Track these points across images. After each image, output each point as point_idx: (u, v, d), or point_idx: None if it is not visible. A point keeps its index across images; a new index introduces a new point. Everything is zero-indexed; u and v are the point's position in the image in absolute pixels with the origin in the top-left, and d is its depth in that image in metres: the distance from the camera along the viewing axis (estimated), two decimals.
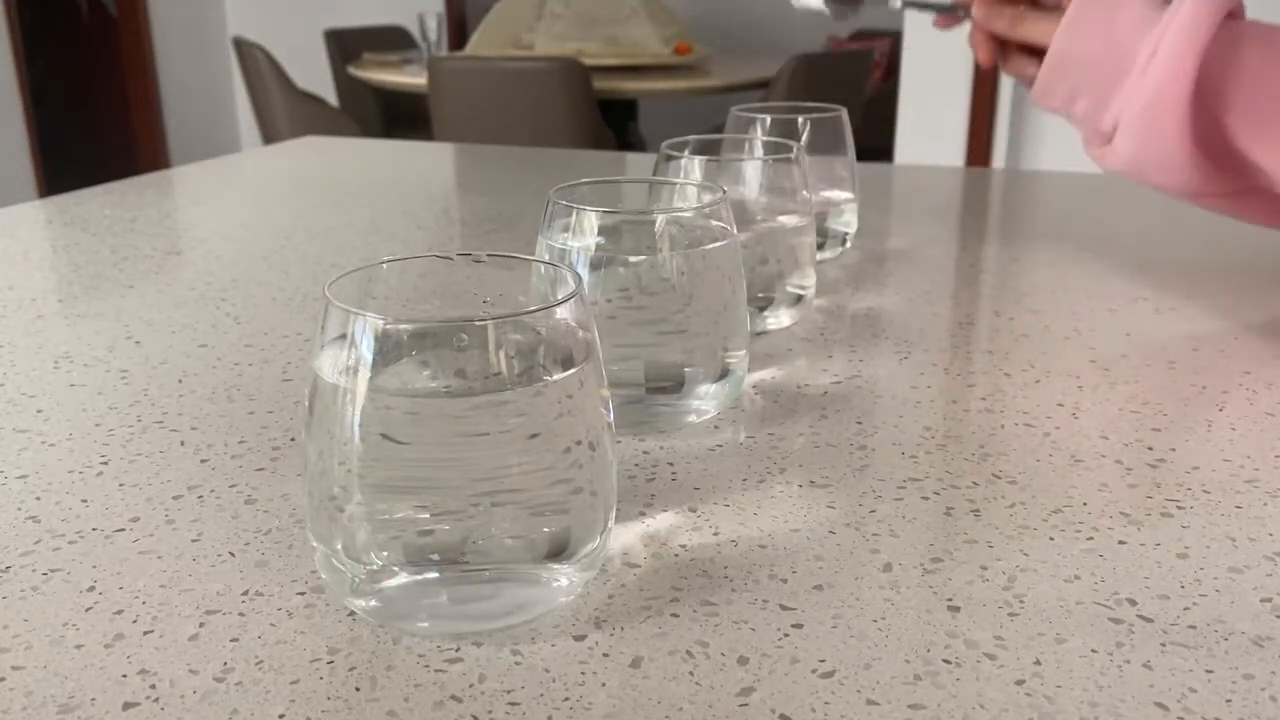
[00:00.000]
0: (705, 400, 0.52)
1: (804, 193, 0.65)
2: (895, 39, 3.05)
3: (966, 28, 0.76)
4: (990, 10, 0.73)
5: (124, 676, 0.34)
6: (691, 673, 0.34)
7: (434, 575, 0.35)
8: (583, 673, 0.34)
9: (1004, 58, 0.75)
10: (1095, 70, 0.67)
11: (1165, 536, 0.42)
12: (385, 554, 0.35)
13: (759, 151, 0.71)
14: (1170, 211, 0.94)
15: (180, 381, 0.58)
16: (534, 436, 0.34)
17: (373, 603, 0.36)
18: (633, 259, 0.50)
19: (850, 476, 0.47)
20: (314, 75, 3.72)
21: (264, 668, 0.34)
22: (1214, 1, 0.64)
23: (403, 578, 0.35)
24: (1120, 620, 0.37)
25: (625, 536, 0.42)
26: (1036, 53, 0.72)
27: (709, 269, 0.51)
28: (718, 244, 0.51)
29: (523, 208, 1.00)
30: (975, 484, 0.46)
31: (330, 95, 3.72)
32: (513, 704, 0.33)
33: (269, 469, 0.48)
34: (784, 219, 0.65)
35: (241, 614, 0.37)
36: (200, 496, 0.45)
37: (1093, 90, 0.67)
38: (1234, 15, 0.66)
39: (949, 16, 0.77)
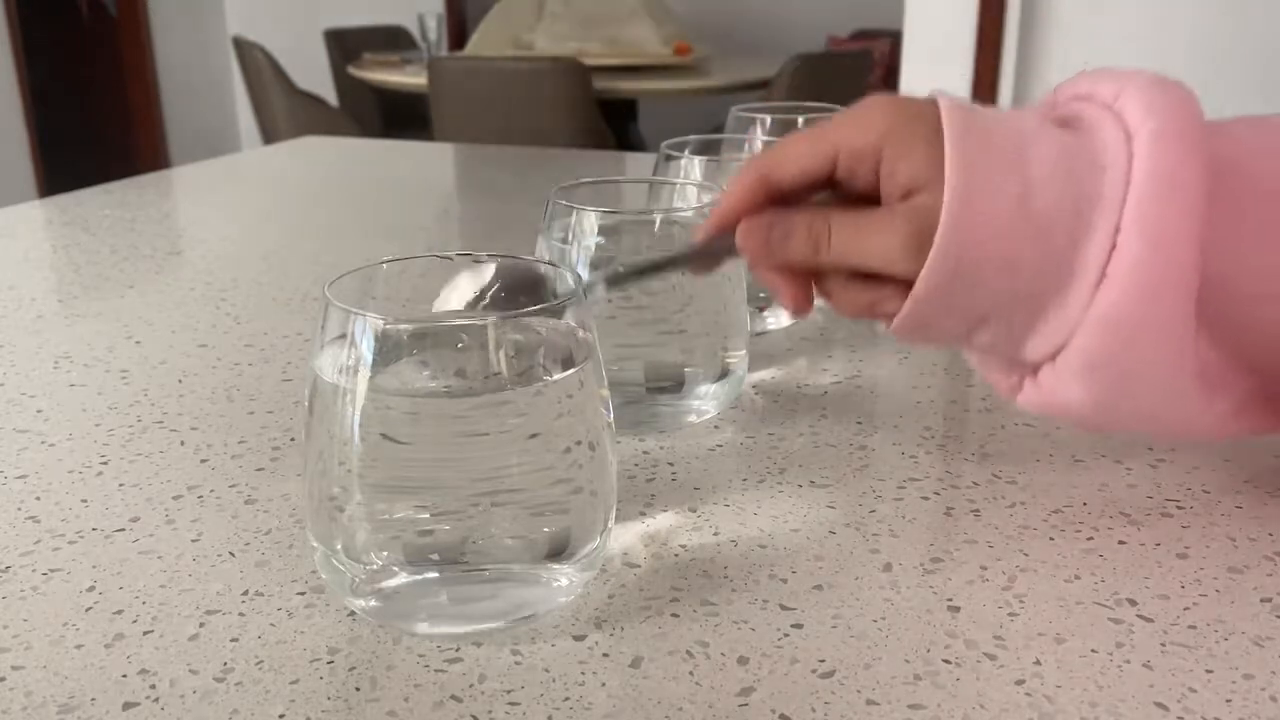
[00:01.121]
0: (705, 400, 0.52)
1: None
2: (895, 39, 3.05)
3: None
4: (765, 233, 0.41)
5: (124, 676, 0.34)
6: (691, 673, 0.34)
7: (434, 575, 0.35)
8: (583, 673, 0.34)
9: (826, 290, 0.43)
10: (1013, 281, 0.38)
11: (1165, 536, 0.42)
12: (385, 554, 0.35)
13: (759, 151, 0.71)
14: None
15: (180, 381, 0.58)
16: (534, 436, 0.34)
17: (372, 603, 0.36)
18: (632, 259, 0.50)
19: (850, 476, 0.47)
20: (314, 75, 3.71)
21: (264, 668, 0.34)
22: (1183, 116, 0.37)
23: (402, 578, 0.35)
24: (1120, 620, 0.37)
25: (625, 536, 0.42)
26: (873, 275, 0.40)
27: None
28: None
29: (523, 208, 1.00)
30: (975, 484, 0.46)
31: (330, 95, 3.72)
32: (513, 704, 0.33)
33: (269, 469, 0.48)
34: None
35: (241, 614, 0.37)
36: (200, 496, 0.45)
37: (1009, 314, 0.39)
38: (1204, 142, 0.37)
39: (702, 262, 0.45)
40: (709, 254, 0.44)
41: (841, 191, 0.41)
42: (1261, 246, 0.38)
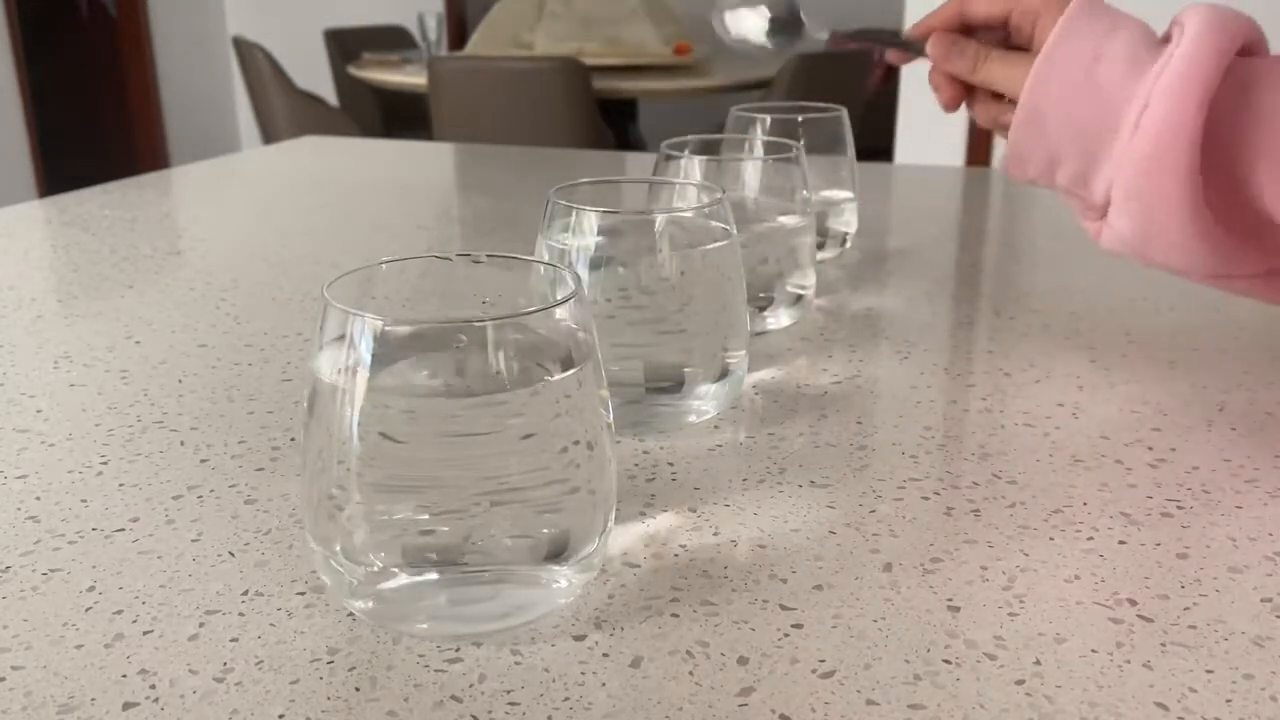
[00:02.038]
0: (705, 400, 0.52)
1: (804, 193, 0.65)
2: (894, 39, 3.04)
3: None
4: (948, 48, 0.58)
5: (124, 676, 0.34)
6: (691, 673, 0.34)
7: (433, 576, 0.35)
8: (583, 673, 0.34)
9: (973, 103, 0.60)
10: (1078, 128, 0.53)
11: (1165, 536, 0.42)
12: (384, 555, 0.35)
13: (759, 151, 0.71)
14: None
15: (180, 381, 0.58)
16: (533, 437, 0.34)
17: (372, 604, 0.36)
18: (632, 259, 0.50)
19: (850, 476, 0.47)
20: (314, 75, 3.72)
21: (264, 668, 0.34)
22: (1222, 33, 0.50)
23: (402, 579, 0.35)
24: (1120, 620, 0.37)
25: (625, 537, 0.42)
26: (1011, 100, 0.57)
27: (708, 269, 0.51)
28: (717, 244, 0.51)
29: (523, 208, 1.00)
30: (975, 484, 0.46)
31: (330, 95, 3.72)
32: (513, 704, 0.33)
33: (269, 469, 0.48)
34: (784, 219, 0.65)
35: (241, 614, 0.37)
36: (200, 496, 0.45)
37: (1075, 156, 0.53)
38: (1250, 50, 0.52)
39: (902, 53, 0.63)
40: (907, 46, 0.61)
41: (1008, 39, 0.58)
42: (1256, 126, 0.50)
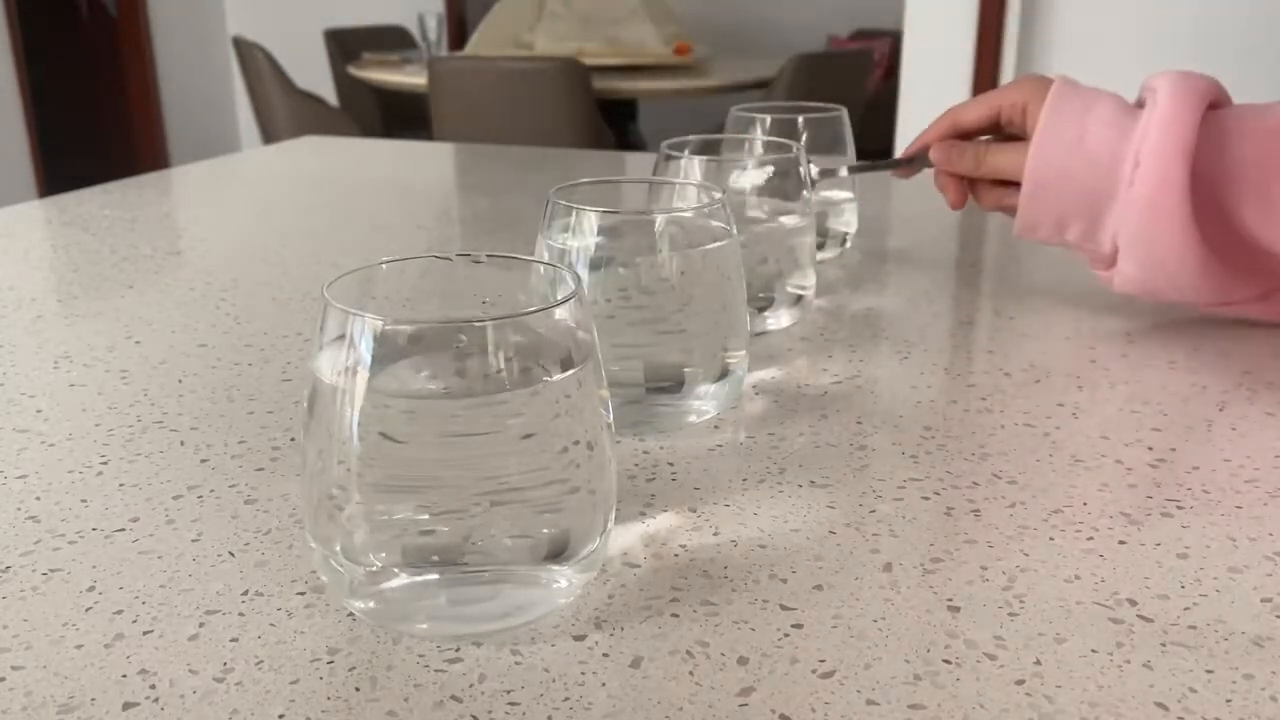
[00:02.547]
0: (705, 400, 0.52)
1: (804, 193, 0.65)
2: (895, 39, 3.05)
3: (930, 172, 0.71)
4: (950, 152, 0.67)
5: (124, 676, 0.34)
6: (691, 673, 0.34)
7: (433, 576, 0.35)
8: (583, 673, 0.34)
9: (977, 194, 0.68)
10: (1078, 193, 0.60)
11: (1165, 536, 0.42)
12: (384, 555, 0.35)
13: (759, 151, 0.71)
14: None
15: (180, 381, 0.58)
16: (533, 437, 0.34)
17: (372, 604, 0.36)
18: (632, 259, 0.50)
19: (850, 476, 0.47)
20: (314, 75, 3.71)
21: (264, 668, 0.34)
22: (1191, 94, 0.58)
23: (402, 579, 0.35)
24: (1120, 620, 0.37)
25: (625, 537, 0.42)
26: (1011, 184, 0.65)
27: (708, 269, 0.51)
28: (717, 244, 0.51)
29: (523, 208, 1.00)
30: (975, 484, 0.46)
31: (330, 95, 3.72)
32: (513, 704, 0.33)
33: (269, 469, 0.48)
34: (784, 219, 0.65)
35: (241, 614, 0.37)
36: (200, 496, 0.45)
37: (1081, 215, 0.61)
38: (1216, 105, 0.60)
39: (908, 168, 0.72)
40: (911, 163, 0.71)
41: (999, 134, 0.67)
42: (1236, 170, 0.58)
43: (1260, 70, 2.17)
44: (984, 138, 0.68)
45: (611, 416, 0.38)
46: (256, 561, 0.40)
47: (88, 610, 0.37)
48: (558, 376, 0.35)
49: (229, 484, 0.46)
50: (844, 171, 0.77)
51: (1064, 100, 0.61)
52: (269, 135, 3.40)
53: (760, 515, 0.44)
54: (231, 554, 0.41)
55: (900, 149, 2.86)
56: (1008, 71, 2.41)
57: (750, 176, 0.67)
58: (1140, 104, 0.61)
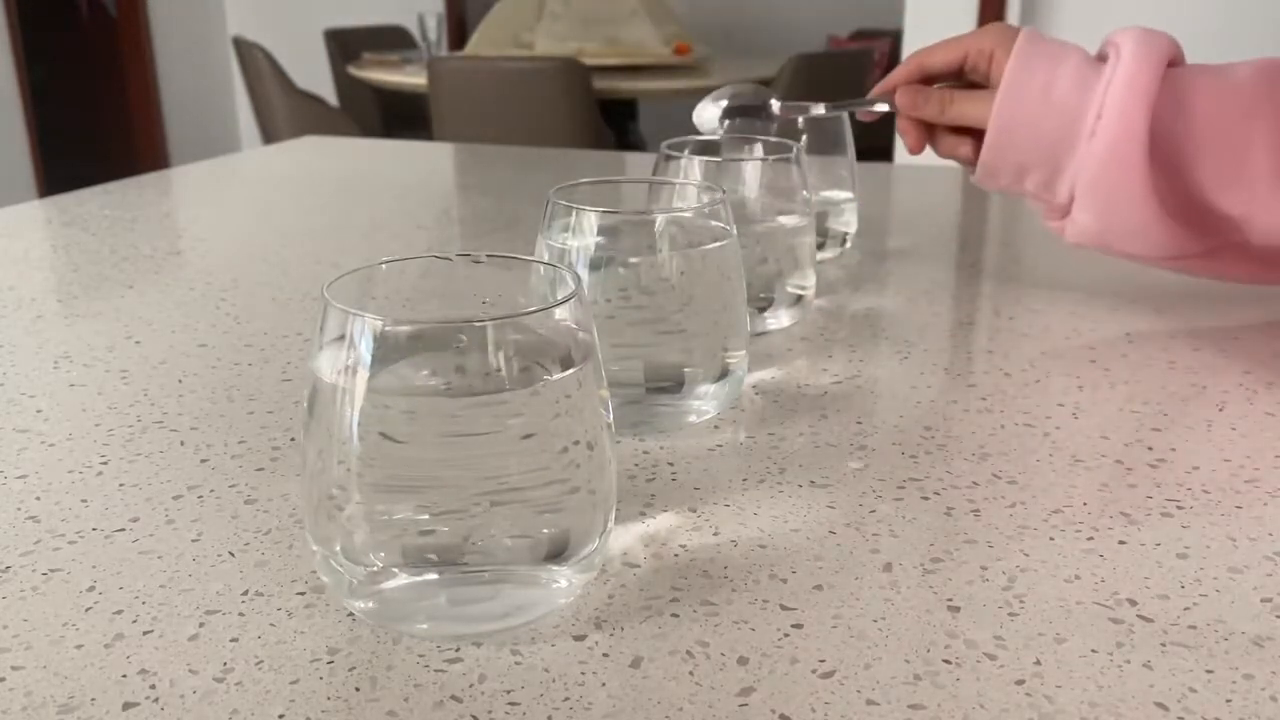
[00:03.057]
0: (705, 400, 0.52)
1: (804, 193, 0.65)
2: (895, 39, 3.05)
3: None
4: (915, 97, 0.67)
5: (124, 676, 0.34)
6: (691, 673, 0.34)
7: (433, 576, 0.35)
8: (583, 673, 0.34)
9: (936, 141, 0.69)
10: (1041, 141, 0.62)
11: (1165, 536, 0.42)
12: (384, 555, 0.35)
13: (759, 151, 0.71)
14: None
15: (180, 381, 0.58)
16: (533, 437, 0.34)
17: (371, 604, 0.36)
18: (632, 259, 0.50)
19: (850, 476, 0.47)
20: (314, 75, 3.71)
21: (264, 668, 0.34)
22: (1153, 50, 0.60)
23: (402, 579, 0.35)
24: (1120, 620, 0.37)
25: (625, 537, 0.42)
26: (969, 132, 0.66)
27: (708, 269, 0.51)
28: (717, 244, 0.51)
29: (523, 208, 1.00)
30: (975, 484, 0.46)
31: (330, 95, 3.72)
32: (513, 704, 0.33)
33: (269, 469, 0.48)
34: (784, 219, 0.65)
35: (241, 614, 0.37)
36: (200, 496, 0.45)
37: (1041, 163, 0.62)
38: (1175, 63, 0.62)
39: (870, 111, 0.72)
40: (872, 105, 0.70)
41: (963, 80, 0.67)
42: (1193, 126, 0.60)
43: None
44: (945, 85, 0.68)
45: (611, 416, 0.38)
46: (256, 561, 0.40)
47: (88, 610, 0.37)
48: (558, 376, 0.35)
49: (229, 484, 0.46)
50: (819, 110, 0.75)
51: (1032, 50, 0.62)
52: (269, 135, 3.40)
53: (760, 515, 0.44)
54: (231, 554, 0.41)
55: (900, 149, 2.85)
56: None
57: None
58: (1102, 58, 0.62)
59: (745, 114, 0.71)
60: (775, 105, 0.74)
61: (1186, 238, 0.62)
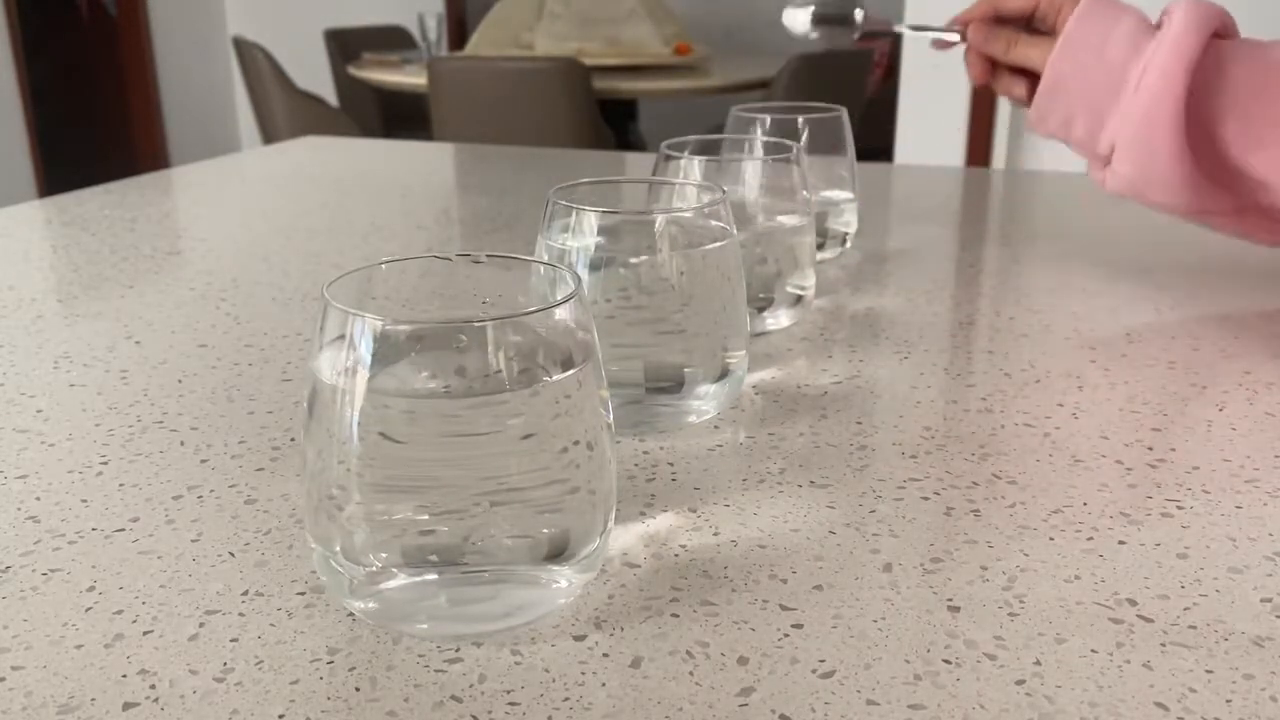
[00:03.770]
0: (705, 400, 0.52)
1: (804, 193, 0.65)
2: (895, 39, 3.05)
3: (962, 48, 0.77)
4: (987, 34, 0.74)
5: (124, 676, 0.34)
6: (691, 673, 0.34)
7: (433, 577, 0.35)
8: (583, 673, 0.34)
9: (996, 78, 0.76)
10: (1090, 92, 0.68)
11: (1165, 536, 0.42)
12: (384, 555, 0.35)
13: (759, 151, 0.71)
14: None
15: (180, 381, 0.58)
16: (533, 437, 0.34)
17: (371, 604, 0.36)
18: (632, 259, 0.50)
19: (850, 476, 0.47)
20: (314, 75, 3.71)
21: (264, 668, 0.34)
22: (1202, 20, 0.65)
23: (401, 579, 0.35)
24: (1120, 620, 0.37)
25: (625, 537, 0.42)
26: (1027, 74, 0.73)
27: (708, 269, 0.51)
28: (717, 244, 0.51)
29: (523, 208, 1.00)
30: (975, 484, 0.46)
31: (330, 95, 3.72)
32: (513, 704, 0.33)
33: (269, 469, 0.48)
34: (784, 219, 0.65)
35: (241, 614, 0.37)
36: (200, 496, 0.45)
37: (1088, 113, 0.68)
38: (1222, 35, 0.67)
39: (943, 41, 0.78)
40: (948, 36, 0.77)
41: (1030, 28, 0.74)
42: (1227, 91, 0.66)
43: None
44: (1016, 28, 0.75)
45: (611, 416, 0.38)
46: (256, 561, 0.40)
47: (88, 610, 0.37)
48: (558, 376, 0.35)
49: (229, 484, 0.46)
50: (900, 28, 0.84)
51: (1094, 8, 0.69)
52: (269, 135, 3.40)
53: (760, 515, 0.44)
54: (231, 554, 0.41)
55: (901, 149, 2.85)
56: None
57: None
58: (1158, 25, 0.68)
59: (830, 22, 0.78)
60: (859, 15, 0.82)
61: (1215, 195, 0.68)
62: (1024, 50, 0.72)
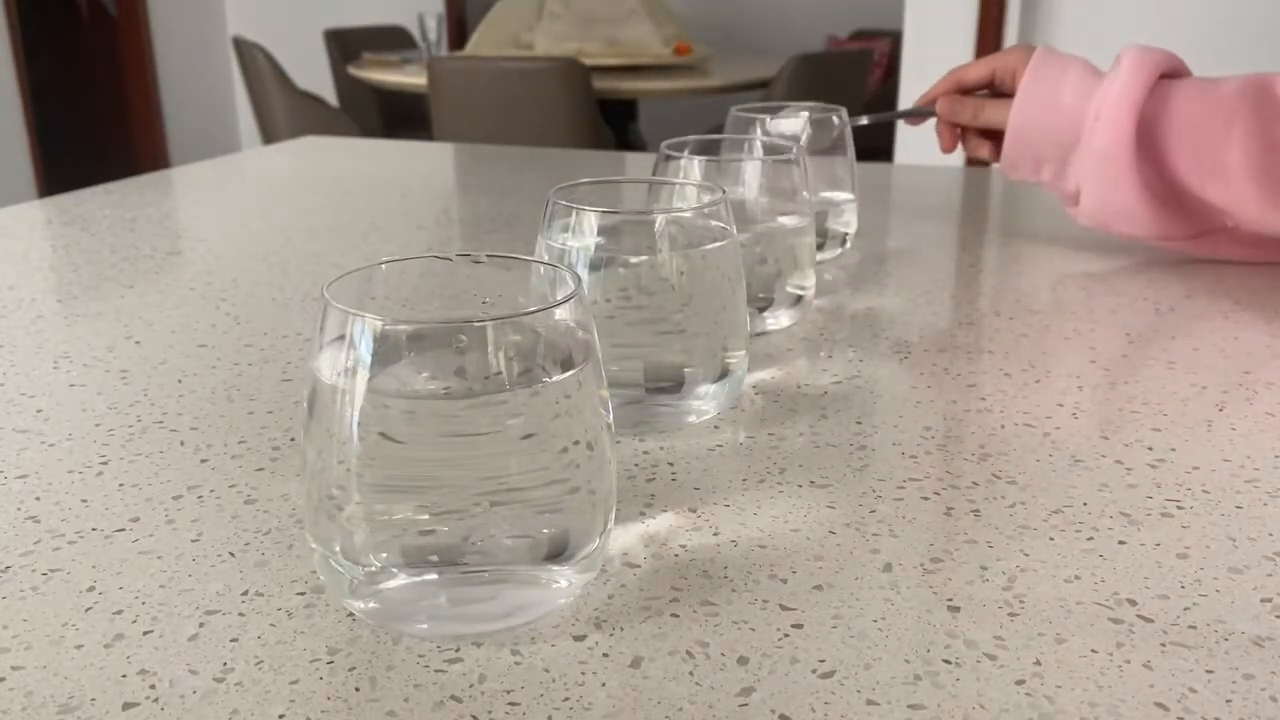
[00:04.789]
0: (705, 400, 0.52)
1: (804, 193, 0.65)
2: (895, 39, 3.05)
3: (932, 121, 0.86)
4: (954, 105, 0.82)
5: (124, 676, 0.34)
6: (691, 673, 0.34)
7: (433, 577, 0.35)
8: (583, 673, 0.34)
9: (966, 142, 0.84)
10: (1051, 139, 0.75)
11: (1165, 536, 0.42)
12: (384, 555, 0.35)
13: (759, 151, 0.71)
14: None
15: (180, 381, 0.58)
16: (533, 437, 0.34)
17: (371, 604, 0.36)
18: (632, 259, 0.50)
19: (850, 476, 0.47)
20: (314, 75, 3.71)
21: (264, 668, 0.34)
22: (1148, 63, 0.72)
23: (401, 579, 0.35)
24: (1120, 620, 0.37)
25: (625, 537, 0.42)
26: (993, 135, 0.81)
27: (708, 269, 0.51)
28: (717, 244, 0.51)
29: (523, 208, 1.00)
30: (975, 484, 0.46)
31: (330, 95, 3.72)
32: (513, 704, 0.33)
33: (269, 469, 0.48)
34: (784, 219, 0.65)
35: (241, 614, 0.37)
36: (200, 496, 0.45)
37: (1053, 158, 0.77)
38: (1174, 74, 0.73)
39: (916, 118, 0.87)
40: (919, 113, 0.86)
41: (992, 92, 0.82)
42: (1176, 128, 0.72)
43: (1258, 68, 2.17)
44: (981, 92, 0.83)
45: (611, 416, 0.38)
46: (256, 561, 0.40)
47: (88, 610, 0.37)
48: (558, 376, 0.35)
49: (229, 484, 0.46)
50: (863, 120, 0.89)
51: (1043, 64, 0.76)
52: (269, 135, 3.40)
53: (760, 515, 0.44)
54: (231, 554, 0.41)
55: (900, 149, 2.86)
56: None
57: (790, 125, 0.78)
58: (1110, 72, 0.74)
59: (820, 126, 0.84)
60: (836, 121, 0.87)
61: (1174, 222, 0.74)
62: (989, 114, 0.80)
